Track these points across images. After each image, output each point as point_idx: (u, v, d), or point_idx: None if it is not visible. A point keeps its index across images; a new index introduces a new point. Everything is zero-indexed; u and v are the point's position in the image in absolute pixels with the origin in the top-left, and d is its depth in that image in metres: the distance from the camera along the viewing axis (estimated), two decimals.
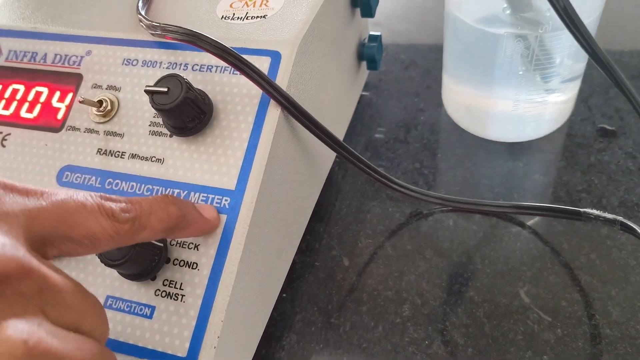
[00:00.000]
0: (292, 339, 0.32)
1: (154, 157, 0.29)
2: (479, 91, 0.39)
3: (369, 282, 0.34)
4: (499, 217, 0.37)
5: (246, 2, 0.33)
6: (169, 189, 0.29)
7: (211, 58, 0.30)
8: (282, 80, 0.29)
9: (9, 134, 0.32)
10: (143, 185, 0.29)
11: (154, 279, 0.27)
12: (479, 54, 0.36)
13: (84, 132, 0.31)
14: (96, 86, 0.32)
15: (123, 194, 0.29)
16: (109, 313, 0.27)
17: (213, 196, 0.28)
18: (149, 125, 0.30)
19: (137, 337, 0.26)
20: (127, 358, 0.26)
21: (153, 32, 0.30)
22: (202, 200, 0.28)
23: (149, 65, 0.31)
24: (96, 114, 0.31)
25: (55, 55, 0.33)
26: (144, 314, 0.27)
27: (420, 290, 0.34)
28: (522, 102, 0.37)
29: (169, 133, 0.30)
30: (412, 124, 0.44)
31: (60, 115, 0.32)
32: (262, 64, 0.29)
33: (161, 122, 0.30)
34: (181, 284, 0.27)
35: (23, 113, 0.32)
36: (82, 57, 0.33)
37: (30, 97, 0.33)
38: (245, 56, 0.28)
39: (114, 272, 0.28)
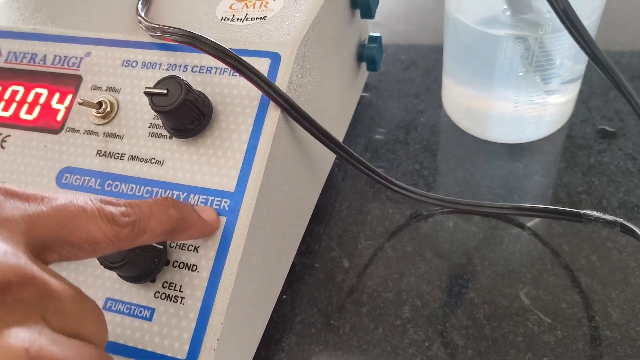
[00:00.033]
0: (291, 341, 0.32)
1: (154, 158, 0.29)
2: (479, 92, 0.39)
3: (368, 284, 0.34)
4: (499, 219, 0.37)
5: (246, 4, 0.33)
6: (168, 191, 0.29)
7: (211, 60, 0.30)
8: (281, 82, 0.29)
9: (9, 136, 0.32)
10: (142, 187, 0.29)
11: (153, 281, 0.27)
12: (479, 55, 0.36)
13: (84, 133, 0.31)
14: (96, 88, 0.32)
15: (122, 195, 0.29)
16: (109, 315, 0.27)
17: (212, 198, 0.28)
18: (149, 127, 0.30)
19: (137, 340, 0.26)
20: None
21: (152, 34, 0.30)
22: (201, 202, 0.28)
23: (148, 66, 0.31)
24: (96, 116, 0.31)
25: (55, 56, 0.33)
26: (144, 316, 0.27)
27: (420, 292, 0.34)
28: (522, 103, 0.37)
29: (168, 135, 0.30)
30: (412, 125, 0.44)
31: (59, 117, 0.32)
32: (262, 65, 0.29)
33: (161, 124, 0.30)
34: (181, 286, 0.27)
35: (22, 114, 0.32)
36: (81, 58, 0.33)
37: (30, 98, 0.33)
38: (244, 58, 0.28)
39: (113, 274, 0.27)
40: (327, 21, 0.34)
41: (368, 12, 0.39)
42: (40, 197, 0.19)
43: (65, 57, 0.33)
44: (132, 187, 0.29)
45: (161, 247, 0.27)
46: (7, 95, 0.33)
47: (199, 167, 0.29)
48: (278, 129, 0.28)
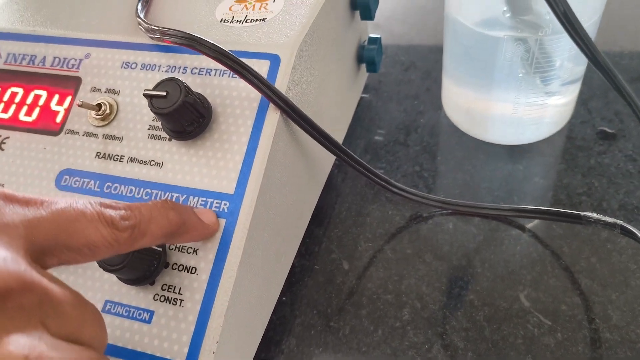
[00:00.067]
0: (291, 343, 0.32)
1: (153, 160, 0.29)
2: (479, 94, 0.39)
3: (368, 286, 0.34)
4: (498, 220, 0.36)
5: (245, 5, 0.33)
6: (167, 193, 0.29)
7: (210, 61, 0.30)
8: (281, 84, 0.29)
9: (8, 138, 0.32)
10: (142, 189, 0.29)
11: (152, 283, 0.27)
12: (479, 57, 0.36)
13: (83, 135, 0.31)
14: (95, 89, 0.32)
15: (122, 197, 0.29)
16: (107, 318, 0.27)
17: (212, 200, 0.28)
18: (148, 129, 0.30)
19: (136, 342, 0.26)
20: None
21: (152, 36, 0.30)
22: (201, 204, 0.28)
23: (147, 68, 0.31)
24: (95, 118, 0.31)
25: (54, 58, 0.33)
26: (143, 318, 0.27)
27: (420, 294, 0.34)
28: (522, 104, 0.37)
29: (167, 137, 0.30)
30: (412, 126, 0.44)
31: (59, 119, 0.32)
32: (261, 67, 0.29)
33: (160, 126, 0.30)
34: (180, 288, 0.27)
35: (22, 116, 0.32)
36: (80, 60, 0.33)
37: (29, 100, 0.33)
38: (244, 59, 0.28)
39: (112, 277, 0.27)
40: (326, 23, 0.34)
41: (368, 14, 0.39)
42: (40, 201, 0.19)
43: (65, 58, 0.33)
44: (131, 189, 0.29)
45: (160, 249, 0.27)
46: (6, 97, 0.33)
47: (198, 169, 0.29)
48: (278, 131, 0.28)
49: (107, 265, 0.25)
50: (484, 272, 0.34)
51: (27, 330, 0.16)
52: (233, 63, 0.27)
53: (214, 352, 0.25)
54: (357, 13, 0.40)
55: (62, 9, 0.36)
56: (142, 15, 0.32)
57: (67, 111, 0.32)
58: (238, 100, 0.29)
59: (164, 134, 0.30)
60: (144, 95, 0.27)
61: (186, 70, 0.30)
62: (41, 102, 0.32)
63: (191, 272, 0.27)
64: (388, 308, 0.33)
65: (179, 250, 0.27)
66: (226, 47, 0.27)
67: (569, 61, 0.35)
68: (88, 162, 0.30)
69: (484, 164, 0.40)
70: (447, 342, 0.31)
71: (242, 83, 0.29)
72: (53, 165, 0.31)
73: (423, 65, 0.49)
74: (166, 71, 0.31)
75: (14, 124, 0.32)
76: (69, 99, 0.32)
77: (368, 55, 0.42)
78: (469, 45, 0.36)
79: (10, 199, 0.19)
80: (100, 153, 0.30)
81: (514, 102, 0.37)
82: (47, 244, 0.19)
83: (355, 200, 0.39)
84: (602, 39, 0.37)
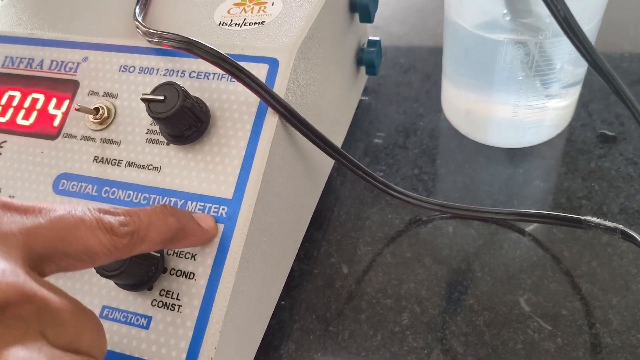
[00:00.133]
0: (290, 348, 0.32)
1: (151, 165, 0.29)
2: (479, 96, 0.39)
3: (367, 290, 0.34)
4: (498, 224, 0.36)
5: (244, 9, 0.33)
6: (165, 198, 0.28)
7: (208, 65, 0.30)
8: (279, 88, 0.29)
9: (5, 142, 0.32)
10: (140, 193, 0.29)
11: (150, 289, 0.27)
12: (479, 60, 0.36)
13: (81, 139, 0.31)
14: (93, 93, 0.32)
15: (120, 202, 0.29)
16: (105, 323, 0.27)
17: (210, 205, 0.28)
18: (146, 133, 0.30)
19: (134, 348, 0.26)
20: None
21: (150, 39, 0.30)
22: (199, 209, 0.28)
23: (145, 72, 0.31)
24: (93, 122, 0.31)
25: (52, 61, 0.33)
26: (141, 324, 0.26)
27: (419, 298, 0.33)
28: (522, 107, 0.37)
29: (166, 141, 0.29)
30: (412, 129, 0.44)
31: (56, 123, 0.32)
32: (260, 71, 0.29)
33: (158, 130, 0.30)
34: (178, 294, 0.27)
35: (19, 120, 0.32)
36: (78, 63, 0.33)
37: (27, 104, 0.32)
38: (242, 63, 0.27)
39: (110, 282, 0.27)
40: (325, 26, 0.33)
41: (367, 16, 0.39)
42: (39, 209, 0.19)
43: (62, 62, 0.33)
44: (129, 194, 0.29)
45: (158, 254, 0.27)
46: (3, 101, 0.33)
47: (196, 173, 0.28)
48: (276, 135, 0.28)
49: (104, 271, 0.25)
50: (483, 277, 0.34)
51: (26, 341, 0.16)
52: (231, 67, 0.27)
53: (212, 359, 0.25)
54: (357, 15, 0.40)
55: (59, 12, 0.36)
56: (140, 19, 0.32)
57: (65, 115, 0.32)
58: (236, 104, 0.29)
59: (162, 138, 0.29)
60: (142, 99, 0.27)
61: (184, 74, 0.30)
62: (39, 105, 0.32)
63: (189, 278, 0.27)
64: (387, 312, 0.33)
65: (177, 256, 0.27)
66: (224, 51, 0.27)
67: (569, 64, 0.35)
68: (86, 167, 0.30)
69: (483, 167, 0.40)
70: (447, 347, 0.31)
71: (241, 87, 0.29)
72: (50, 169, 0.31)
73: (423, 68, 0.49)
74: (164, 75, 0.31)
75: (11, 128, 0.32)
76: (66, 102, 0.32)
77: (367, 58, 0.42)
78: (469, 47, 0.36)
79: (9, 207, 0.19)
80: (98, 157, 0.30)
81: (514, 105, 0.37)
82: (46, 252, 0.19)
83: (354, 203, 0.39)
84: (603, 42, 0.37)
